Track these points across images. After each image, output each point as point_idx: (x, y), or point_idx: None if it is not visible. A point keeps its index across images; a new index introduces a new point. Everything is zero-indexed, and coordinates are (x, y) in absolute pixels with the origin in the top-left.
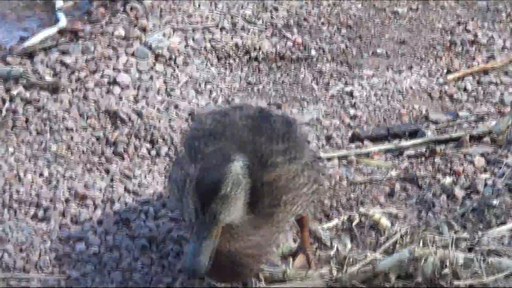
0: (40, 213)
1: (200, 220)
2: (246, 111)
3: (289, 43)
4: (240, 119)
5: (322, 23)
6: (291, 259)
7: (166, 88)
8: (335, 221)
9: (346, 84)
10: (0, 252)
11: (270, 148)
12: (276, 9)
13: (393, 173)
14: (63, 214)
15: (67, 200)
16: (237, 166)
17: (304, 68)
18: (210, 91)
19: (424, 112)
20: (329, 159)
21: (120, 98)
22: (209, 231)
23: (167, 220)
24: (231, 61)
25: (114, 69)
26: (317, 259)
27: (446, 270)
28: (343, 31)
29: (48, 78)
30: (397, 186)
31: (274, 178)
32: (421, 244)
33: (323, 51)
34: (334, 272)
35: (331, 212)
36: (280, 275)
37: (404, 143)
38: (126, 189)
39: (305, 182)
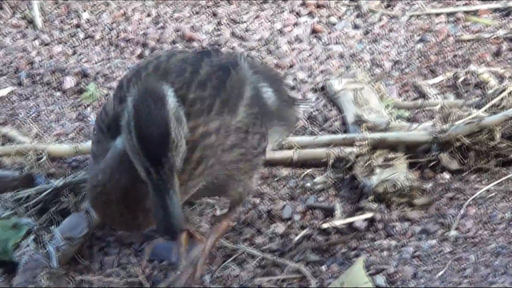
0: (147, 52)
1: (156, 178)
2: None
3: None
4: (181, 61)
5: None
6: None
7: None
8: (440, 78)
9: None
10: (105, 90)
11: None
12: None
13: (501, 32)
14: None
15: (173, 42)
16: (171, 97)
17: None
18: None
19: None
20: (437, 14)
21: None
22: (171, 185)
23: None
24: None
25: None
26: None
27: None
28: None
29: None
30: (504, 45)
31: (191, 127)
32: None
33: None
34: (438, 126)
35: (437, 69)
36: (383, 126)
37: None
38: (233, 34)
39: (231, 144)
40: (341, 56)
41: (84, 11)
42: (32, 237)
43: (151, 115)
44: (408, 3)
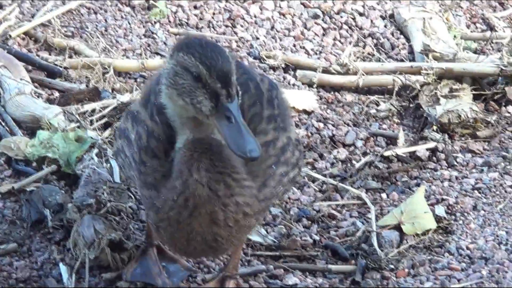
0: None
1: (226, 100)
2: None
3: None
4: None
5: None
6: None
7: None
8: (510, 10)
9: None
10: (174, 8)
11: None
12: None
13: None
14: None
15: None
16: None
17: None
18: None
19: None
20: None
21: None
22: (237, 108)
23: None
24: None
25: None
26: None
27: None
28: None
29: None
30: None
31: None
32: None
33: None
34: (506, 58)
35: (507, 1)
36: (450, 56)
37: None
38: None
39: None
40: None
41: None
42: (95, 151)
43: (214, 49)
44: None
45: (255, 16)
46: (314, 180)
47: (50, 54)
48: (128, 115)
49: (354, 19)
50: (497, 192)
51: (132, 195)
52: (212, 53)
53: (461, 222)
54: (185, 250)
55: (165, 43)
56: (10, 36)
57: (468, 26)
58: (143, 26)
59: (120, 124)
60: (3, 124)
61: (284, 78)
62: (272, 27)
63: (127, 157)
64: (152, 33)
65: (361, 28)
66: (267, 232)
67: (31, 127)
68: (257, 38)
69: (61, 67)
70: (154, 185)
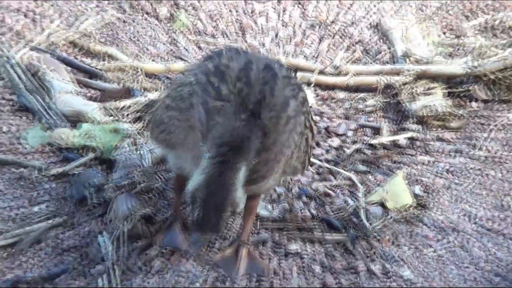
0: None
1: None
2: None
3: None
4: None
5: None
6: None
7: None
8: (479, 20)
9: None
10: (193, 19)
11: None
12: None
13: None
14: None
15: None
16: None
17: None
18: None
19: None
20: None
21: None
22: None
23: None
24: None
25: None
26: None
27: None
28: None
29: None
30: None
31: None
32: None
33: None
34: (470, 62)
35: (474, 13)
36: (426, 59)
37: None
38: None
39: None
40: None
41: None
42: (129, 140)
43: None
44: None
45: (262, 26)
46: (312, 164)
47: (90, 59)
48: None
49: (345, 28)
50: (465, 174)
51: (159, 178)
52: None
53: (434, 199)
54: None
55: (186, 49)
56: (57, 44)
57: (444, 33)
58: (167, 35)
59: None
60: (52, 118)
61: None
62: (276, 35)
63: (183, 89)
64: (175, 40)
65: (351, 36)
66: (273, 208)
67: (74, 120)
68: (264, 45)
69: (99, 70)
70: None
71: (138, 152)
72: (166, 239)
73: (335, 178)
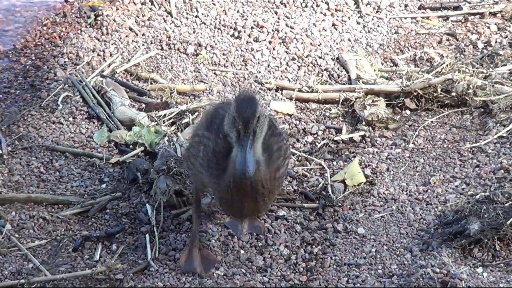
0: (236, 33)
1: (243, 136)
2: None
3: None
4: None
5: None
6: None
7: None
8: (406, 54)
9: None
10: (211, 54)
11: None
12: None
13: (442, 29)
14: None
15: (252, 27)
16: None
17: None
18: None
19: None
20: (405, 17)
21: None
22: (253, 142)
23: None
24: None
25: None
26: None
27: (470, 90)
28: None
29: None
30: (444, 37)
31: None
32: (456, 72)
33: None
34: (404, 82)
35: (405, 49)
36: (372, 81)
37: (450, 12)
38: (286, 25)
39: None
40: (349, 40)
41: (200, 7)
42: (166, 138)
43: (248, 102)
44: (389, 10)
45: (258, 59)
46: (293, 154)
47: (139, 82)
48: (196, 136)
49: (316, 60)
50: (400, 160)
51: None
52: (244, 105)
53: (380, 178)
54: (240, 213)
55: (206, 75)
56: (117, 72)
57: (382, 64)
58: (193, 66)
59: (189, 142)
60: (113, 123)
61: (276, 95)
62: (268, 65)
63: (197, 160)
64: (198, 69)
65: (320, 66)
66: None
67: (128, 124)
68: (259, 72)
69: (146, 90)
70: (216, 176)
71: (173, 146)
72: (186, 266)
73: (310, 164)
